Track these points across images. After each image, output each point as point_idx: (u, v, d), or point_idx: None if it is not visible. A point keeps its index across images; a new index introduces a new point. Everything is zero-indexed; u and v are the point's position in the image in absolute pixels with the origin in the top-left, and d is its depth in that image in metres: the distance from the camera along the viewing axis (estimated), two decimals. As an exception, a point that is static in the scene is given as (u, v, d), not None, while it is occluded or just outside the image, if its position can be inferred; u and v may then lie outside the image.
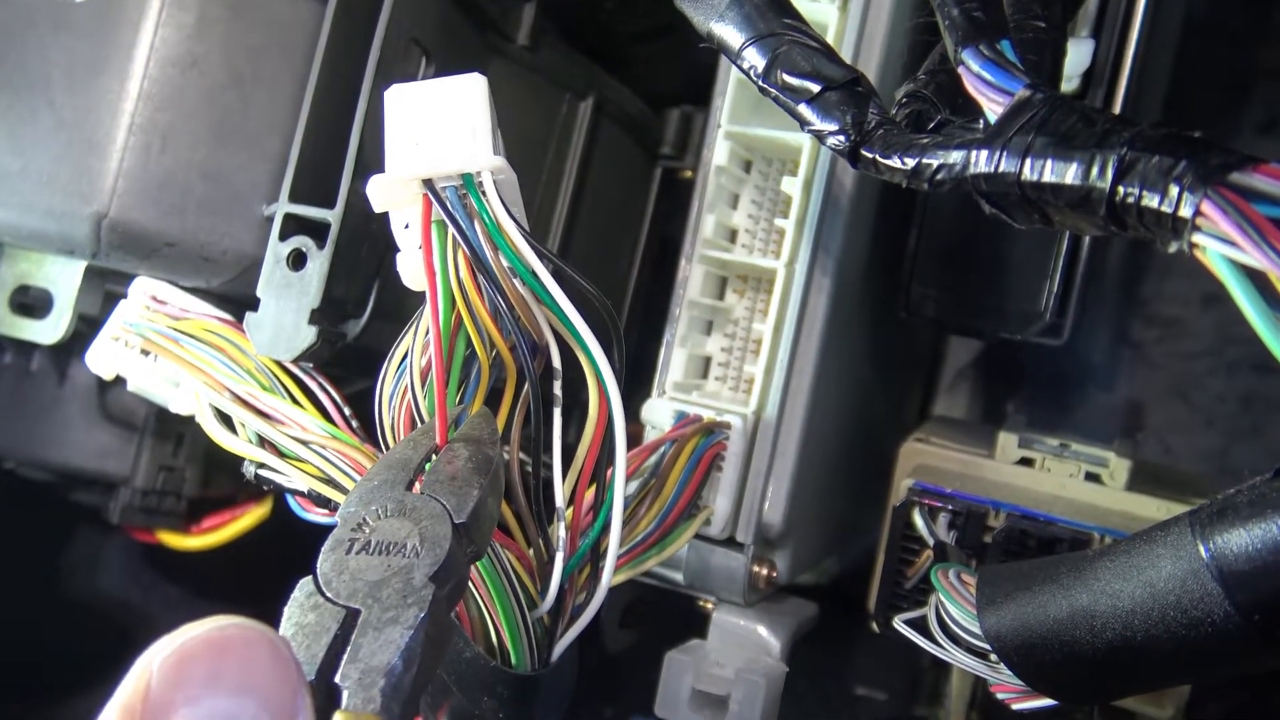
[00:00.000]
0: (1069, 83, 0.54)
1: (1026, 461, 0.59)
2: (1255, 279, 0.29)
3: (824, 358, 0.59)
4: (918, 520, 0.55)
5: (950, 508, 0.56)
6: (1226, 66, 0.93)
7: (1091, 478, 0.58)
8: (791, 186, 0.57)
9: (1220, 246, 0.30)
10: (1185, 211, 0.30)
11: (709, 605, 0.61)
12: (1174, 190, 0.31)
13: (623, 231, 0.80)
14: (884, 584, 0.57)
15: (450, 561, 0.37)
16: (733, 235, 0.62)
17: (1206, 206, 0.30)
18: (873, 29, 0.57)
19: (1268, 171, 0.30)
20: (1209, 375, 0.92)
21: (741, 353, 0.62)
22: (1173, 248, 0.31)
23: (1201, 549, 0.33)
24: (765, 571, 0.59)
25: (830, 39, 0.56)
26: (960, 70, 0.38)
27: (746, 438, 0.57)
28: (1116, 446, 0.58)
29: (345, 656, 0.33)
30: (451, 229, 0.45)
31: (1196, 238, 0.30)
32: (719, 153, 0.59)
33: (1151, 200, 0.31)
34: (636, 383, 0.66)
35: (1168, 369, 0.94)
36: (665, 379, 0.60)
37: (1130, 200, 0.32)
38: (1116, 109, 0.58)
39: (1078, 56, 0.53)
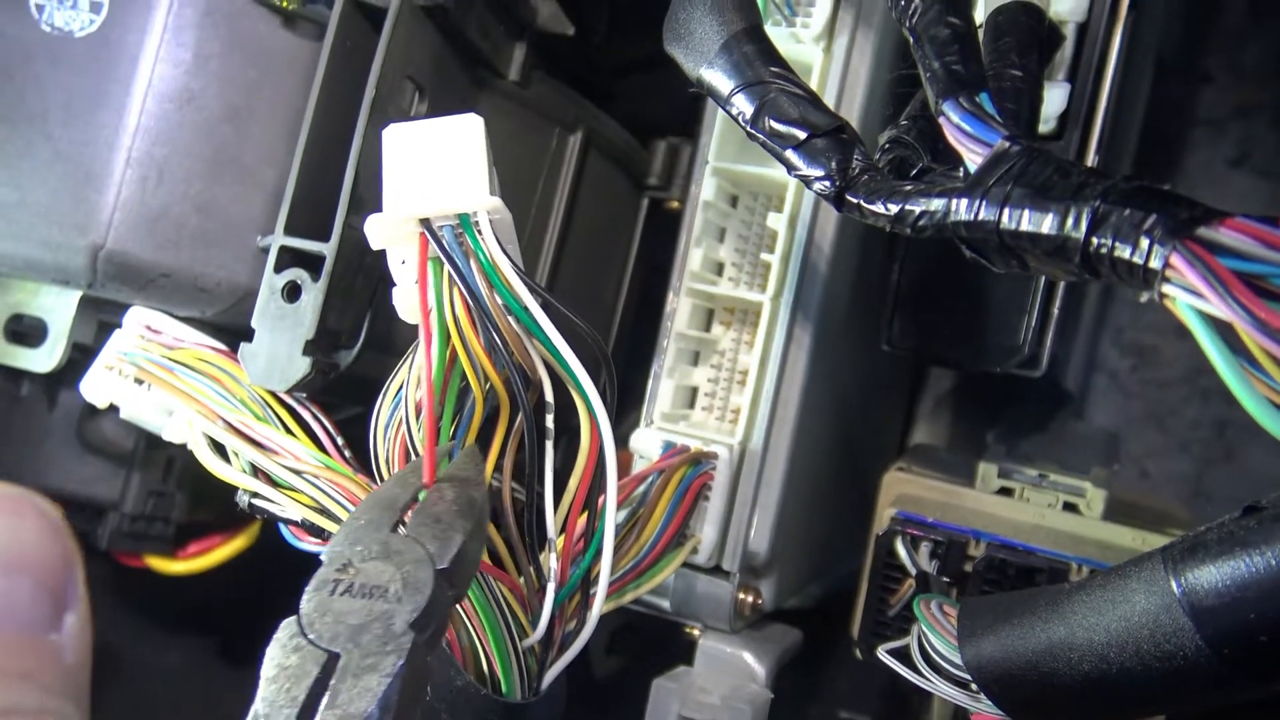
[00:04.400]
0: (1045, 124, 0.56)
1: (1006, 491, 0.61)
2: (1221, 328, 0.31)
3: (808, 389, 0.60)
4: (900, 549, 0.56)
5: (932, 537, 0.57)
6: (1199, 104, 0.96)
7: (1069, 508, 0.59)
8: (777, 222, 0.59)
9: (1188, 297, 0.31)
10: (1155, 263, 0.32)
11: (695, 632, 0.62)
12: (1145, 243, 0.32)
13: (610, 261, 0.81)
14: (867, 612, 0.58)
15: (431, 608, 0.37)
16: (719, 268, 0.64)
17: (1175, 259, 0.31)
18: (856, 71, 0.59)
19: (1233, 226, 0.31)
20: (1184, 403, 0.94)
21: (728, 384, 0.63)
22: (1144, 297, 0.33)
23: (1174, 584, 0.35)
24: (751, 599, 0.60)
25: (814, 80, 0.58)
26: (941, 121, 0.39)
27: (733, 468, 0.58)
28: (1093, 477, 0.60)
29: (324, 702, 0.33)
30: (448, 267, 0.47)
31: (1166, 288, 0.32)
32: (706, 188, 0.61)
33: (1124, 252, 0.33)
34: (624, 408, 0.67)
35: (1144, 397, 0.96)
36: (653, 409, 0.61)
37: (1104, 251, 0.33)
38: (1092, 149, 0.60)
39: (1053, 100, 0.54)
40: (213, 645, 0.94)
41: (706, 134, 0.61)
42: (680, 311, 0.61)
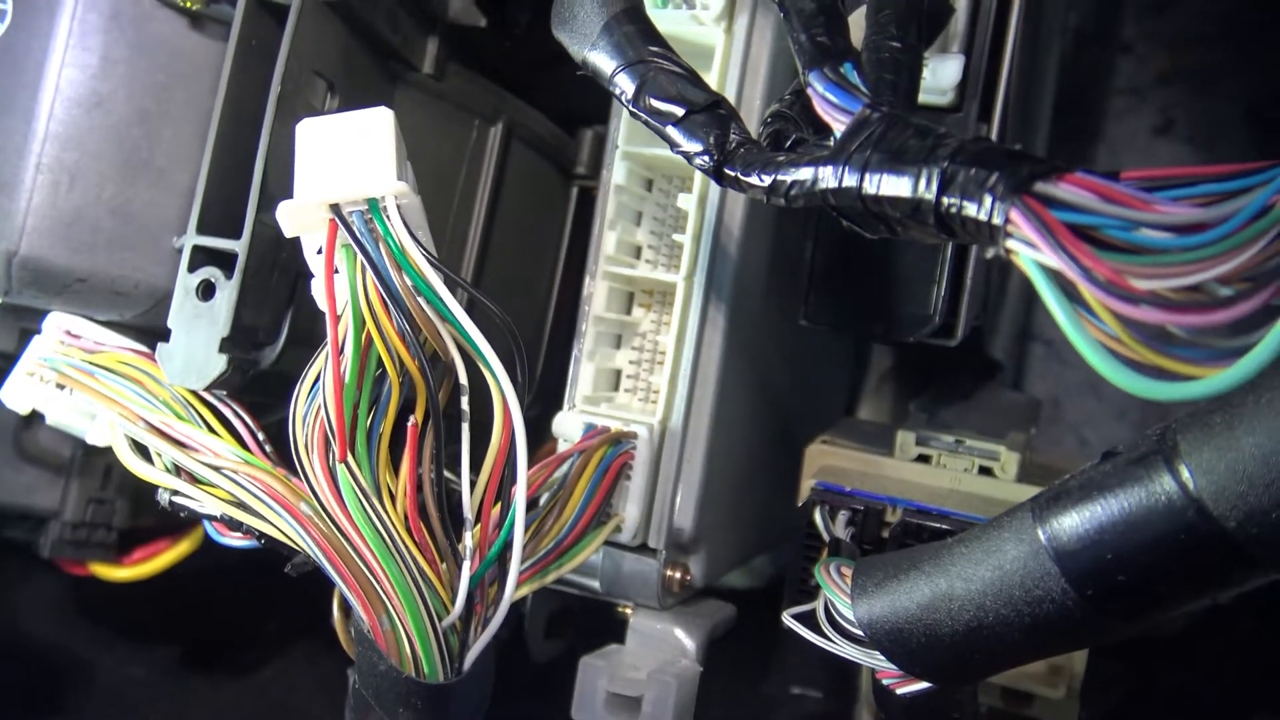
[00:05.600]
0: (943, 97, 0.57)
1: (924, 459, 0.62)
2: (1059, 278, 0.32)
3: (727, 366, 0.61)
4: (817, 519, 0.57)
5: (850, 505, 0.58)
6: (1122, 73, 0.97)
7: (985, 471, 0.60)
8: (687, 203, 0.60)
9: (1028, 250, 0.32)
10: (998, 219, 0.33)
11: (627, 611, 0.63)
12: (988, 200, 0.33)
13: (541, 251, 0.82)
14: (791, 583, 0.59)
15: None
16: (638, 251, 0.65)
17: (1014, 214, 0.32)
18: (757, 51, 0.59)
19: (1070, 180, 0.32)
20: (1118, 369, 0.96)
21: (650, 365, 0.64)
22: (991, 253, 0.34)
23: (1040, 532, 0.36)
24: (679, 575, 0.61)
25: (716, 61, 0.59)
26: (809, 91, 0.40)
27: (653, 446, 0.59)
28: (1009, 441, 0.61)
29: None
30: (358, 252, 0.47)
31: (1009, 243, 0.33)
32: (617, 172, 0.61)
33: (970, 209, 0.34)
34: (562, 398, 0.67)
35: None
36: (575, 393, 0.62)
37: (954, 210, 0.34)
38: (995, 119, 0.61)
39: (948, 73, 0.55)
40: (176, 655, 0.94)
41: (616, 118, 0.62)
42: (597, 295, 0.62)
